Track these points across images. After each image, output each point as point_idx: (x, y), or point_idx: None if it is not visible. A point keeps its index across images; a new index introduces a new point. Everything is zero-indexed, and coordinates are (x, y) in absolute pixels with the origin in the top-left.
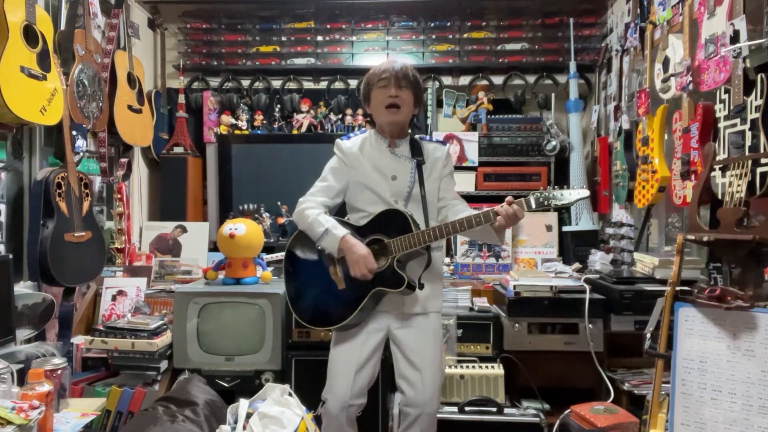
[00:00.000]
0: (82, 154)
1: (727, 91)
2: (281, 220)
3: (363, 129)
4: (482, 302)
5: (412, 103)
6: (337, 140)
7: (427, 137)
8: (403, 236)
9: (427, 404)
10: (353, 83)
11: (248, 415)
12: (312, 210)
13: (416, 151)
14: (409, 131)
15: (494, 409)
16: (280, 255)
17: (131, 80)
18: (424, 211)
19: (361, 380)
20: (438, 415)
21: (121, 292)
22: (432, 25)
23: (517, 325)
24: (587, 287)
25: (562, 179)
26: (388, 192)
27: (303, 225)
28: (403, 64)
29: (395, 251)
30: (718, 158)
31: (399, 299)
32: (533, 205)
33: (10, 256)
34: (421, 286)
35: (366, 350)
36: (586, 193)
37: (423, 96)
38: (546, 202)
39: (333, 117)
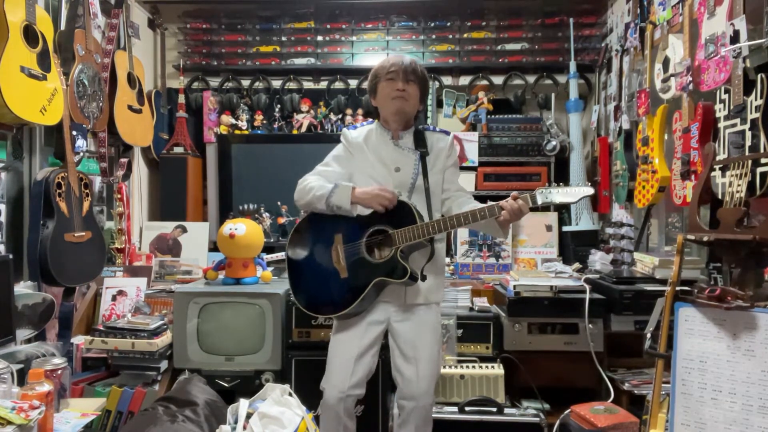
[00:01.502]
0: (82, 154)
1: (727, 91)
2: (281, 220)
3: (370, 120)
4: (482, 302)
5: (418, 97)
6: (344, 129)
7: (431, 127)
8: (407, 228)
9: (421, 397)
10: (353, 83)
11: (248, 415)
12: (314, 182)
13: (420, 142)
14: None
15: (494, 409)
16: (280, 255)
17: (131, 80)
18: (428, 203)
19: (360, 371)
20: (438, 415)
21: (121, 292)
22: (432, 25)
23: (517, 325)
24: (587, 287)
25: (562, 179)
26: (391, 184)
27: (306, 196)
28: (411, 60)
29: (399, 242)
30: (718, 158)
31: (401, 290)
32: (538, 201)
33: (10, 256)
34: (424, 278)
35: (366, 340)
36: (591, 190)
37: (428, 92)
38: (551, 199)
39: (333, 117)
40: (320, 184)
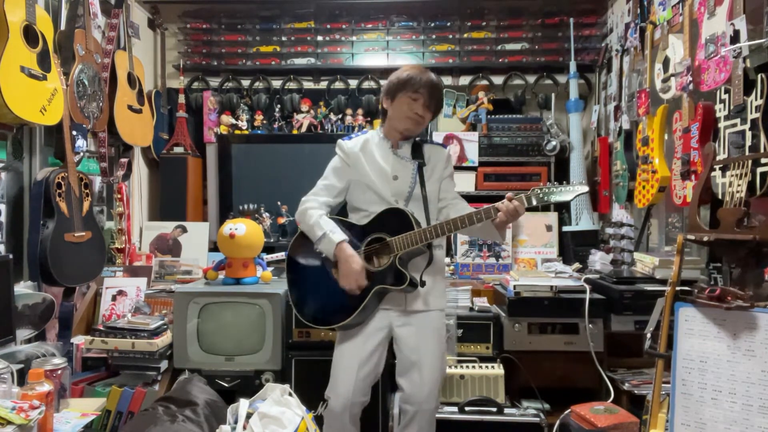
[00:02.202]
0: (82, 154)
1: (727, 91)
2: (281, 220)
3: (364, 129)
4: (482, 302)
5: (428, 121)
6: (339, 140)
7: (429, 139)
8: (404, 234)
9: (425, 401)
10: (353, 83)
11: (248, 415)
12: (314, 210)
13: (417, 152)
14: None
15: (494, 409)
16: (281, 255)
17: (131, 80)
18: (425, 211)
19: (364, 379)
20: (438, 415)
21: (121, 292)
22: (432, 25)
23: (517, 325)
24: (587, 287)
25: (562, 179)
26: (389, 192)
27: (305, 225)
28: (440, 84)
29: (397, 249)
30: (718, 158)
31: (401, 296)
32: (533, 201)
33: (10, 256)
34: (423, 284)
35: (368, 348)
36: (585, 188)
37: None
38: (546, 198)
39: (333, 117)
40: (317, 220)
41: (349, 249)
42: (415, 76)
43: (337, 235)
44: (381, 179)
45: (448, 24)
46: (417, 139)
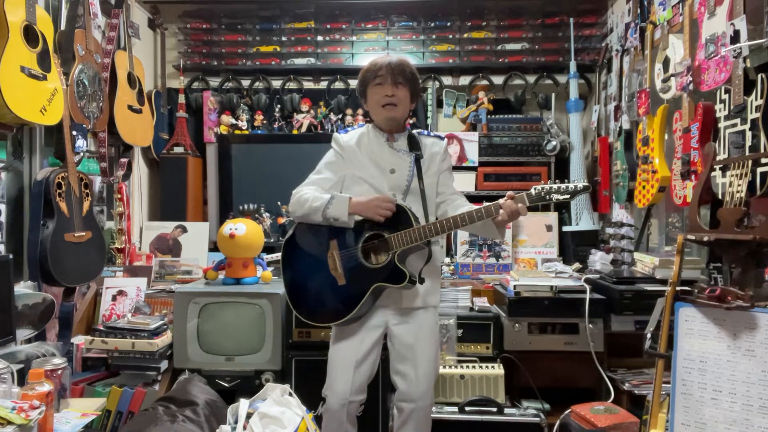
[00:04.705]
0: (82, 154)
1: (727, 91)
2: (281, 220)
3: (361, 123)
4: (482, 302)
5: (408, 99)
6: (335, 134)
7: (425, 132)
8: (404, 231)
9: (421, 398)
10: (353, 83)
11: (248, 415)
12: (309, 193)
13: (414, 145)
14: (409, 124)
15: (494, 409)
16: (281, 255)
17: (131, 80)
18: (423, 205)
19: (361, 376)
20: (438, 415)
21: (121, 292)
22: (432, 25)
23: (517, 325)
24: (587, 287)
25: (562, 179)
26: (386, 185)
27: (302, 209)
28: (399, 60)
29: (396, 246)
30: (718, 158)
31: (398, 294)
32: (534, 199)
33: (10, 256)
34: (422, 281)
35: (365, 346)
36: (587, 185)
37: (420, 90)
38: (547, 196)
39: (333, 117)
40: (315, 195)
41: (360, 197)
42: (371, 66)
43: (345, 194)
44: (378, 172)
45: (448, 24)
46: (415, 132)
